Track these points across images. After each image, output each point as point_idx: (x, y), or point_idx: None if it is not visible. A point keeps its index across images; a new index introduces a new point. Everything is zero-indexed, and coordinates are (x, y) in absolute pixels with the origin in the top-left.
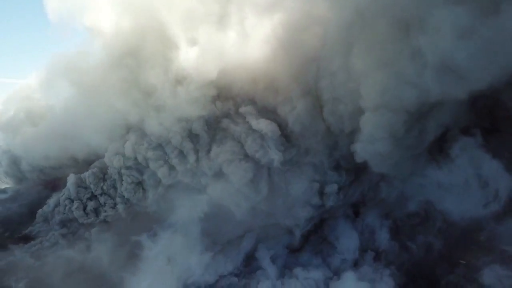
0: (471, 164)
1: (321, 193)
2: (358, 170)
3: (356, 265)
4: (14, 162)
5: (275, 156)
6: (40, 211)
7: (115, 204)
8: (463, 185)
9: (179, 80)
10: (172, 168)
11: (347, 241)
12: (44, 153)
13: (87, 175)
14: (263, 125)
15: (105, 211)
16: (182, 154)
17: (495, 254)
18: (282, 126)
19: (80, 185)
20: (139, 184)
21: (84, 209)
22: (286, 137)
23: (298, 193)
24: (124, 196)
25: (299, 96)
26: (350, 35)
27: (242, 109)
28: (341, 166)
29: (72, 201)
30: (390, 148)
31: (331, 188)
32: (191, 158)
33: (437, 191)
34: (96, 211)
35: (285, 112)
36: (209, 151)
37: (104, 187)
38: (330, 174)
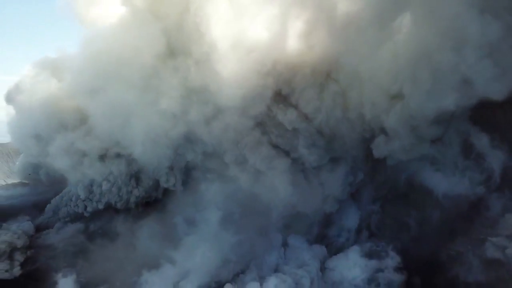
0: (459, 137)
1: (350, 184)
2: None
3: (356, 241)
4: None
5: (309, 157)
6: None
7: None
8: (452, 159)
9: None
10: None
11: (348, 217)
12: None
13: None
14: (292, 118)
15: (149, 198)
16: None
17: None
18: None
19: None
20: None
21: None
22: (320, 134)
23: (332, 190)
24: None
25: (323, 81)
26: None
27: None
28: (368, 156)
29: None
30: (412, 142)
31: (359, 177)
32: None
33: (428, 165)
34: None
35: (312, 109)
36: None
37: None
38: (360, 164)
